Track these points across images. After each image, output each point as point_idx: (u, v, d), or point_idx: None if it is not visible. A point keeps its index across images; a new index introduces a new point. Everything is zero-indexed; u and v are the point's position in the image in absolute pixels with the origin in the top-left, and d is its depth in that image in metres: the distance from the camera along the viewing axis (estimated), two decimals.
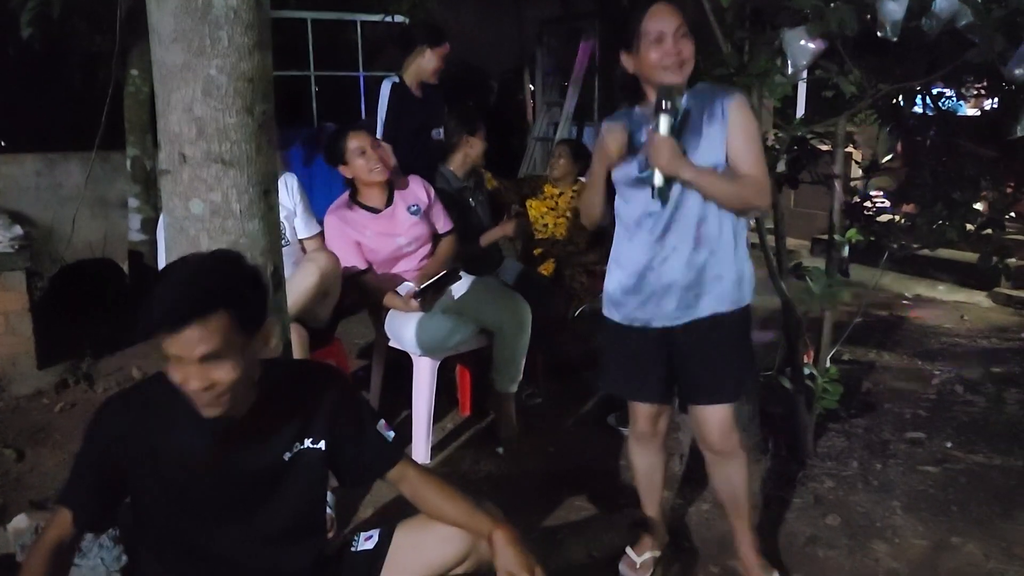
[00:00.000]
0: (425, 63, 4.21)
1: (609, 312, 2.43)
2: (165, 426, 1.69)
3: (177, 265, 1.68)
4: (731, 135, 2.20)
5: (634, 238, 2.31)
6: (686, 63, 2.18)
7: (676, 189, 2.22)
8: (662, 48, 2.16)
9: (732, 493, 2.45)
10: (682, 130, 2.21)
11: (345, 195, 3.49)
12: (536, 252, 4.45)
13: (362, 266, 3.39)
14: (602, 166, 2.28)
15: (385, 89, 4.19)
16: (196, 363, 1.54)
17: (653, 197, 2.19)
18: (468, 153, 3.90)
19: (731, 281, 2.29)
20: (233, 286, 1.60)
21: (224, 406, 1.61)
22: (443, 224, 3.61)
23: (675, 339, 2.33)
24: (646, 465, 2.57)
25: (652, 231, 2.26)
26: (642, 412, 2.48)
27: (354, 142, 3.34)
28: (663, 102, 2.13)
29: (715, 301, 2.28)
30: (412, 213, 3.47)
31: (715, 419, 2.35)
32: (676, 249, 2.25)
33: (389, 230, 3.42)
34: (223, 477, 1.71)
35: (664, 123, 2.13)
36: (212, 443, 1.69)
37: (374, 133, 3.99)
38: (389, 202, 3.46)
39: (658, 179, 2.16)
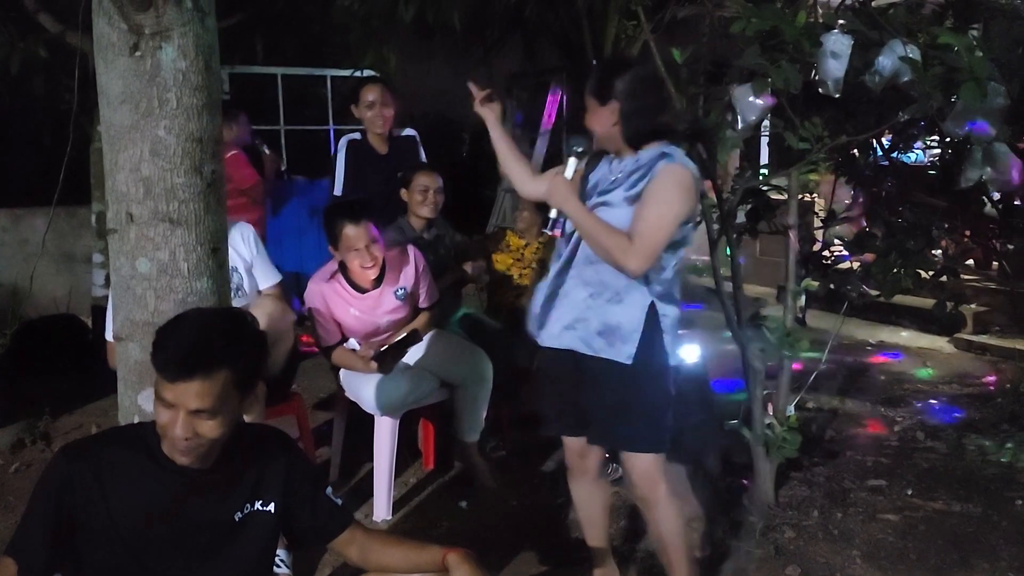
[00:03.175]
0: (363, 120, 4.11)
1: (535, 333, 2.53)
2: (121, 475, 1.68)
3: (190, 316, 1.72)
4: (644, 196, 2.29)
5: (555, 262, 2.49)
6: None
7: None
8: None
9: (660, 542, 2.50)
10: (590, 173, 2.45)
11: (333, 265, 3.32)
12: (501, 304, 4.46)
13: (336, 339, 3.34)
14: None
15: (341, 147, 4.13)
16: (186, 413, 1.58)
17: (549, 227, 2.42)
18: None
19: (611, 330, 2.35)
20: (238, 347, 1.64)
21: (198, 456, 1.65)
22: (425, 299, 3.49)
23: (584, 372, 2.42)
24: (581, 498, 2.64)
25: (563, 259, 2.45)
26: (570, 447, 2.58)
27: (353, 236, 3.15)
28: (572, 147, 2.41)
29: (602, 344, 2.36)
30: (398, 297, 3.36)
31: (635, 465, 2.43)
32: (575, 281, 2.41)
33: (371, 311, 3.32)
34: (175, 531, 1.71)
35: (570, 165, 2.38)
36: (167, 496, 1.69)
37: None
38: (378, 283, 3.32)
39: (553, 211, 2.40)
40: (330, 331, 3.31)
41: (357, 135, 4.17)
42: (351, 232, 3.16)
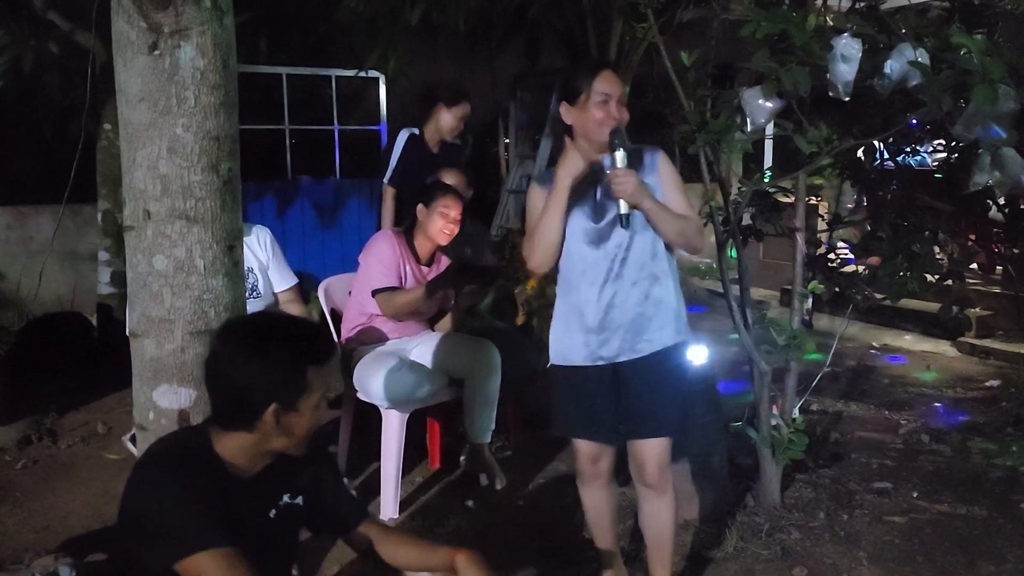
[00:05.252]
0: (442, 121, 4.43)
1: (563, 358, 2.49)
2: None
3: (283, 316, 2.05)
4: (665, 184, 2.44)
5: (588, 278, 2.41)
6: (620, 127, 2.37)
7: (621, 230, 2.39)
8: (606, 109, 2.35)
9: (659, 532, 2.52)
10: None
11: (400, 228, 3.64)
12: (507, 304, 4.48)
13: (396, 283, 3.43)
14: (566, 180, 2.32)
15: (401, 138, 4.46)
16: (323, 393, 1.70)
17: (623, 226, 2.33)
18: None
19: (675, 315, 2.46)
20: None
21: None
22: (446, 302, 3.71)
23: (625, 374, 2.43)
24: (591, 502, 2.63)
25: (609, 269, 2.39)
26: (584, 453, 2.54)
27: (446, 203, 3.44)
28: (615, 141, 2.31)
29: (663, 334, 2.43)
30: None
31: (654, 453, 2.45)
32: (636, 283, 2.40)
33: (416, 281, 3.51)
34: (233, 537, 1.68)
35: (620, 157, 2.30)
36: (227, 503, 1.64)
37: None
38: (429, 263, 3.57)
39: (624, 207, 2.32)
40: (392, 275, 3.42)
41: (416, 130, 4.48)
42: (450, 199, 3.46)
